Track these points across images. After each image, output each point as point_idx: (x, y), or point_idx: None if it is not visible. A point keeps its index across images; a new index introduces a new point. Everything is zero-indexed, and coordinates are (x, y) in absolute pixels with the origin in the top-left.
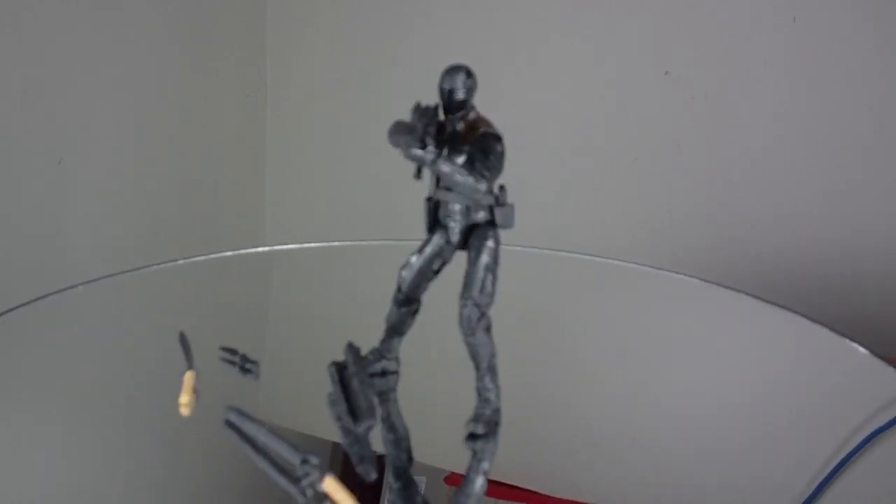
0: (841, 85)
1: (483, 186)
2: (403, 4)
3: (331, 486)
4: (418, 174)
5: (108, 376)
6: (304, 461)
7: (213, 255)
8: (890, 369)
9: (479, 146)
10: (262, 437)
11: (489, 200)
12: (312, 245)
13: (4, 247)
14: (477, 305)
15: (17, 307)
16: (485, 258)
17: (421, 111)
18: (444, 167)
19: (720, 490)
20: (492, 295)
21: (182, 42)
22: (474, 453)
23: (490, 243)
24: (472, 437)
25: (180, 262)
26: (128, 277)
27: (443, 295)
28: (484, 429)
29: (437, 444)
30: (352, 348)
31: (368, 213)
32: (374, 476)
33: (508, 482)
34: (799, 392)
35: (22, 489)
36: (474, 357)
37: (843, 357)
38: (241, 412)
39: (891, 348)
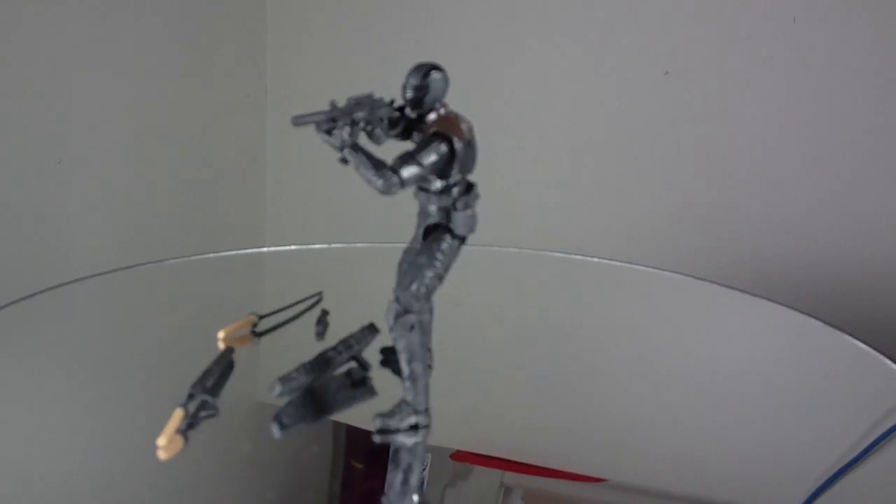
0: (841, 85)
1: (383, 181)
2: (403, 5)
3: (174, 416)
4: (342, 161)
5: (103, 370)
6: (190, 395)
7: (210, 255)
8: (890, 365)
9: (417, 144)
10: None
11: (445, 202)
12: (311, 247)
13: (5, 246)
14: (400, 302)
15: (13, 302)
16: (423, 259)
17: (357, 100)
18: (349, 156)
19: (729, 486)
20: (419, 296)
21: (182, 42)
22: (402, 462)
23: (437, 245)
24: (380, 431)
25: (174, 261)
26: (123, 275)
27: (463, 295)
28: (394, 425)
29: (443, 423)
30: (365, 329)
31: (369, 214)
32: (275, 434)
33: (524, 461)
34: (799, 388)
35: (21, 483)
36: (398, 353)
37: (845, 353)
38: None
39: (891, 347)
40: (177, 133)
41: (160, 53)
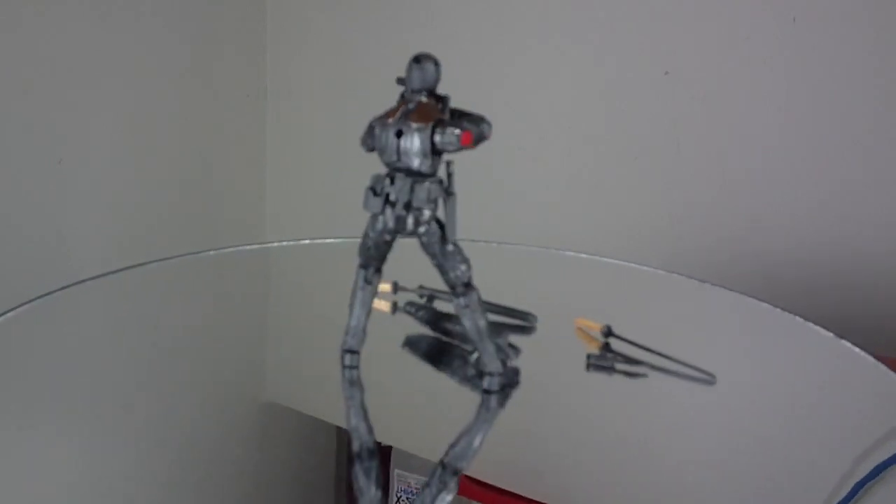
0: (841, 85)
1: None
2: (404, 5)
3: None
4: None
5: (109, 373)
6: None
7: (211, 251)
8: (893, 375)
9: None
10: None
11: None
12: (312, 241)
13: (4, 247)
14: None
15: (16, 307)
16: None
17: None
18: None
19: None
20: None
21: (182, 42)
22: None
23: None
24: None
25: (176, 259)
26: (126, 276)
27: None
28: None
29: (444, 439)
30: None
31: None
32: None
33: (508, 488)
34: (798, 396)
35: (22, 489)
36: None
37: (845, 361)
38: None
39: (892, 349)
40: (177, 133)
41: (160, 53)
